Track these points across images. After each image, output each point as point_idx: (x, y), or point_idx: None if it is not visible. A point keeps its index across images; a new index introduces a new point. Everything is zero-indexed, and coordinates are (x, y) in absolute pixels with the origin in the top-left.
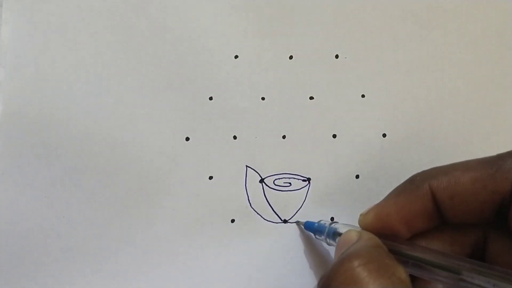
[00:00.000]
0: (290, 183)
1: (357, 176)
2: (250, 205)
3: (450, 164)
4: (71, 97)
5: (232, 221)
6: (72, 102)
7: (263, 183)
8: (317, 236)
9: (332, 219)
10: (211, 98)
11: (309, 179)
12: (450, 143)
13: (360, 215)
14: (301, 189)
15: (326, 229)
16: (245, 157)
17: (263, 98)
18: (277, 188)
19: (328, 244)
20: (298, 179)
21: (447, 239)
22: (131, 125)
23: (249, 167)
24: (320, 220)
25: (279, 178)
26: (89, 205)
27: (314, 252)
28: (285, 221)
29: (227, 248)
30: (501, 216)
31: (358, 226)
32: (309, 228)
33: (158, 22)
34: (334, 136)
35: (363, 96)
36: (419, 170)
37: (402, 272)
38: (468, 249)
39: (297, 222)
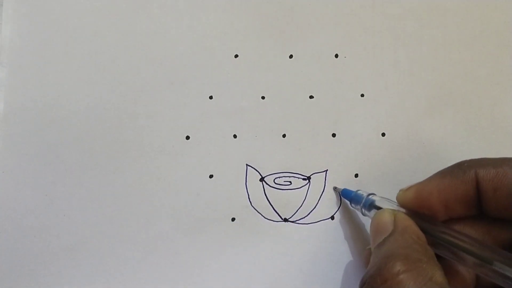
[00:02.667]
0: (290, 182)
1: (356, 175)
2: (251, 203)
3: (501, 158)
4: (72, 96)
5: (233, 219)
6: (73, 101)
7: (264, 182)
8: (352, 205)
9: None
10: (211, 97)
11: (309, 178)
12: (449, 142)
13: (400, 190)
14: (301, 188)
15: (363, 200)
16: (245, 156)
17: (263, 97)
18: (277, 186)
19: (363, 214)
20: (298, 178)
21: (482, 230)
22: (132, 123)
23: (249, 165)
24: (358, 190)
25: (279, 177)
26: (89, 204)
27: (314, 251)
28: (285, 220)
29: (228, 247)
30: None
31: (396, 201)
32: (346, 196)
33: (159, 21)
34: (334, 135)
35: (362, 95)
36: (418, 170)
37: (438, 276)
38: (502, 244)
39: (335, 188)
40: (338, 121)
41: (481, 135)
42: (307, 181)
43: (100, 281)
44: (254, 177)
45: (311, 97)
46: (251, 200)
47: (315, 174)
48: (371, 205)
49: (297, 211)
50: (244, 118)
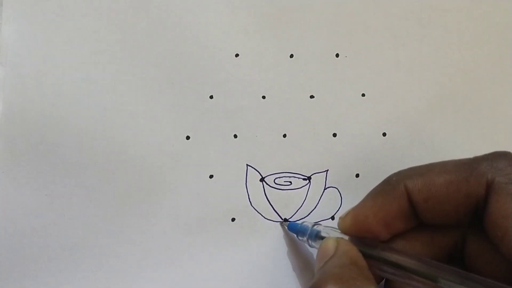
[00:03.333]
0: (290, 182)
1: (357, 175)
2: (251, 203)
3: (427, 165)
4: (72, 96)
5: (233, 219)
6: (73, 100)
7: (264, 182)
8: (299, 237)
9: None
10: (211, 97)
11: (309, 178)
12: (450, 142)
13: (339, 218)
14: (302, 188)
15: (308, 231)
16: (246, 156)
17: (263, 97)
18: (277, 187)
19: (310, 246)
20: (299, 178)
21: (426, 240)
22: (132, 123)
23: (249, 165)
24: (304, 222)
25: (279, 177)
26: (89, 204)
27: (315, 251)
28: (285, 220)
29: (228, 247)
30: (477, 219)
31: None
32: (292, 229)
33: (159, 21)
34: (335, 135)
35: (363, 95)
36: None
37: None
38: (447, 250)
39: (281, 223)
40: (338, 121)
41: (482, 135)
42: (308, 181)
43: (100, 281)
44: (254, 177)
45: (311, 96)
46: (251, 200)
47: (316, 174)
48: (317, 236)
49: (297, 211)
50: (245, 117)
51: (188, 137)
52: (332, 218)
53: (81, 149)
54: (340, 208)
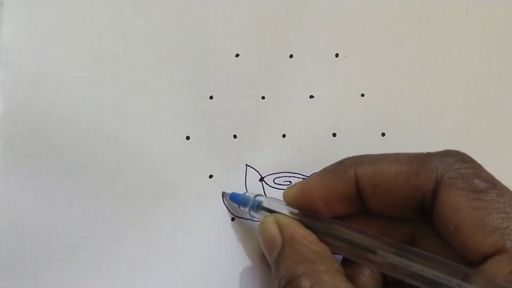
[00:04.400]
0: (290, 182)
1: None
2: None
3: (381, 154)
4: (72, 96)
5: (232, 219)
6: (73, 101)
7: (263, 182)
8: (241, 208)
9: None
10: (211, 97)
11: None
12: (449, 142)
13: (287, 187)
14: None
15: (250, 202)
16: (245, 156)
17: (263, 97)
18: (277, 187)
19: (252, 217)
20: (298, 178)
21: (371, 230)
22: (132, 124)
23: (249, 166)
24: (245, 192)
25: (279, 177)
26: (89, 204)
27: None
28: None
29: (228, 247)
30: (424, 214)
31: (283, 200)
32: (235, 200)
33: (159, 21)
34: (334, 135)
35: (362, 95)
36: None
37: (341, 282)
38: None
39: (223, 193)
40: (338, 121)
41: (481, 135)
42: None
43: (100, 281)
44: (253, 177)
45: (311, 96)
46: None
47: (315, 173)
48: (258, 207)
49: None
50: (244, 118)
51: (188, 137)
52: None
53: (82, 149)
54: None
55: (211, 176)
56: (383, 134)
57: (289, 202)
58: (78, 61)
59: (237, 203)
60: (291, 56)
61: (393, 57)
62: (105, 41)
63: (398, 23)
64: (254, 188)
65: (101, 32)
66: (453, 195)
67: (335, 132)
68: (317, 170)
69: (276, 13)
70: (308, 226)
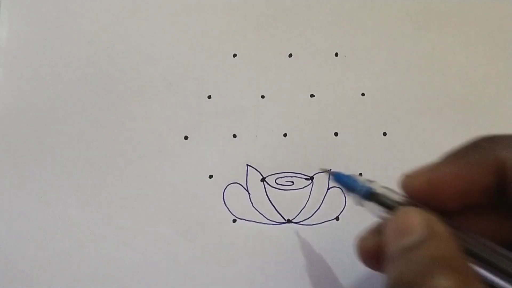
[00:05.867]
0: (292, 182)
1: (360, 175)
2: (252, 204)
3: None
4: (68, 97)
5: (234, 221)
6: (69, 102)
7: (265, 182)
8: (348, 193)
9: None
10: (209, 97)
11: (312, 178)
12: (450, 142)
13: (407, 176)
14: (304, 188)
15: (359, 187)
16: (246, 156)
17: (262, 96)
18: (279, 187)
19: (360, 204)
20: (301, 177)
21: (500, 220)
22: (129, 124)
23: (250, 166)
24: (353, 175)
25: (281, 177)
26: (86, 206)
27: (319, 253)
28: (288, 221)
29: (229, 249)
30: None
31: (398, 191)
32: (341, 181)
33: (156, 22)
34: (336, 134)
35: (363, 94)
36: None
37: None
38: None
39: (327, 171)
40: (339, 120)
41: (481, 134)
42: (310, 181)
43: (97, 285)
44: (255, 177)
45: (312, 95)
46: (252, 201)
47: (318, 173)
48: (370, 195)
49: (300, 212)
50: (244, 117)
51: (186, 137)
52: (337, 219)
53: (78, 151)
54: (344, 208)
55: (211, 176)
56: (384, 134)
57: (410, 192)
58: (74, 62)
59: (342, 185)
60: (290, 55)
61: (393, 56)
62: (102, 42)
63: (398, 22)
64: (255, 189)
65: (98, 32)
66: None
67: (336, 131)
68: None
69: (274, 13)
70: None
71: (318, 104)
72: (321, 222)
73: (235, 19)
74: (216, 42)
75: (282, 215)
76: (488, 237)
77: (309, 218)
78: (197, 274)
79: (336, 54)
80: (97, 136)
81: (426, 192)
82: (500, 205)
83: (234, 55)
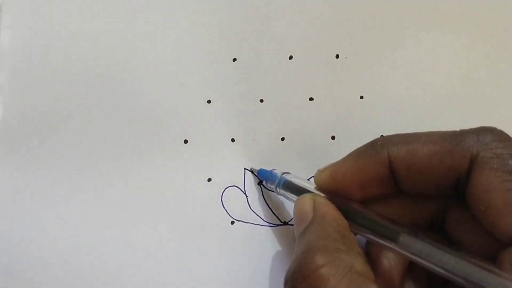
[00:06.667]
0: None
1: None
2: (250, 207)
3: (414, 133)
4: (71, 100)
5: (232, 223)
6: (71, 105)
7: (262, 185)
8: (268, 184)
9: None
10: (209, 101)
11: (286, 223)
12: None
13: (318, 170)
14: None
15: (277, 179)
16: (244, 159)
17: (261, 100)
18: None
19: (278, 194)
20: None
21: (405, 208)
22: (130, 127)
23: (247, 169)
24: (274, 169)
25: None
26: (87, 208)
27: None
28: (285, 223)
29: (227, 251)
30: (458, 191)
31: (312, 182)
32: (262, 175)
33: (156, 25)
34: (333, 137)
35: (361, 97)
36: None
37: (359, 264)
38: (427, 219)
39: (251, 169)
40: (337, 124)
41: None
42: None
43: (98, 285)
44: (252, 180)
45: (311, 99)
46: (250, 204)
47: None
48: (285, 184)
49: None
50: (242, 121)
51: (186, 141)
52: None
53: (79, 153)
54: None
55: (209, 180)
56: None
57: (320, 185)
58: (77, 66)
59: (264, 179)
60: (290, 57)
61: (391, 59)
62: (104, 46)
63: (397, 24)
64: (252, 192)
65: (100, 36)
66: (486, 175)
67: (334, 134)
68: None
69: (273, 15)
70: (343, 213)
71: (317, 108)
72: None
73: (234, 23)
74: (215, 47)
75: (279, 217)
76: (397, 219)
77: None
78: (195, 275)
79: (337, 56)
80: (99, 139)
81: (330, 184)
82: (404, 196)
83: (234, 59)
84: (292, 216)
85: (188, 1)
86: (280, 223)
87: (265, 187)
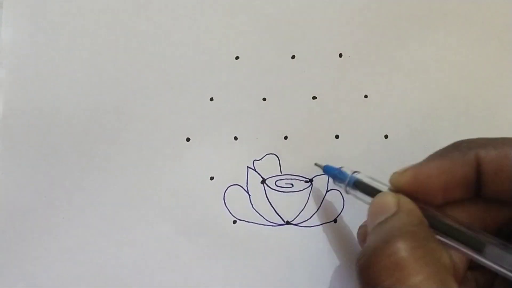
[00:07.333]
0: (292, 184)
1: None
2: (252, 206)
3: (501, 138)
4: (71, 98)
5: (234, 222)
6: (72, 102)
7: (265, 184)
8: (336, 182)
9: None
10: (212, 99)
11: (311, 180)
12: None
13: (394, 173)
14: (304, 190)
15: (348, 177)
16: (246, 158)
17: (264, 99)
18: (279, 189)
19: (347, 192)
20: (300, 180)
21: (479, 212)
22: (132, 125)
23: (250, 168)
24: (342, 167)
25: (281, 179)
26: (88, 206)
27: (317, 254)
28: (287, 223)
29: (229, 250)
30: None
31: (386, 183)
32: (329, 173)
33: (159, 23)
34: (337, 136)
35: (366, 96)
36: None
37: (446, 258)
38: (498, 225)
39: (316, 164)
40: (341, 123)
41: (482, 136)
42: (309, 183)
43: (99, 284)
44: (255, 179)
45: (314, 98)
46: (252, 203)
47: (317, 176)
48: (356, 184)
49: (299, 213)
50: (245, 119)
51: (188, 139)
52: (335, 221)
53: (81, 151)
54: (343, 210)
55: (212, 178)
56: (386, 136)
57: (399, 187)
58: (78, 63)
59: (332, 176)
60: (293, 56)
61: (395, 59)
62: (105, 43)
63: (401, 23)
64: (255, 191)
65: (101, 34)
66: None
67: (337, 134)
68: (320, 172)
69: (277, 14)
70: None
71: (320, 106)
72: (319, 224)
73: (237, 21)
74: (218, 45)
75: (282, 216)
76: (470, 224)
77: (308, 220)
78: (197, 274)
79: (340, 55)
80: (100, 137)
81: (412, 186)
82: (479, 200)
83: (237, 58)
84: (295, 216)
85: None
86: (283, 223)
87: (268, 186)
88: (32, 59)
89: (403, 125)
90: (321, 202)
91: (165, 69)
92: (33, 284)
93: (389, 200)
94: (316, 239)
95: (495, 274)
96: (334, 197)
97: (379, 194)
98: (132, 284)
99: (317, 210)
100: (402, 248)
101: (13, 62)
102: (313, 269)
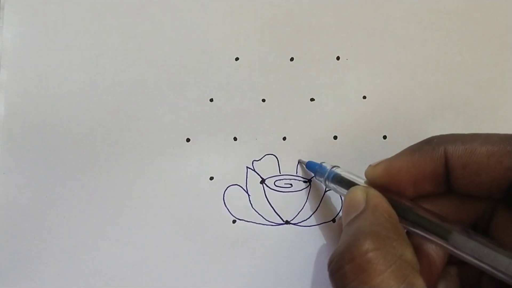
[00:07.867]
0: (291, 184)
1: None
2: (252, 206)
3: (471, 134)
4: (73, 98)
5: (234, 221)
6: (73, 102)
7: (264, 184)
8: (317, 177)
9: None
10: (211, 100)
11: (310, 181)
12: None
13: (369, 166)
14: (302, 190)
15: (327, 172)
16: (246, 158)
17: (263, 100)
18: (278, 189)
19: (326, 186)
20: (299, 180)
21: (453, 206)
22: (132, 126)
23: (249, 168)
24: (323, 162)
25: (280, 180)
26: (89, 206)
27: (316, 253)
28: (286, 222)
29: (229, 249)
30: (510, 194)
31: (363, 176)
32: (311, 168)
33: (159, 24)
34: (335, 137)
35: (364, 97)
36: None
37: (409, 254)
38: (473, 219)
39: (299, 161)
40: (339, 124)
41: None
42: (308, 183)
43: (100, 283)
44: (254, 179)
45: (312, 99)
46: (252, 203)
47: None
48: (335, 178)
49: (298, 213)
50: (245, 120)
51: (188, 140)
52: (333, 220)
53: (82, 151)
54: (341, 210)
55: (211, 178)
56: (384, 137)
57: (372, 180)
58: (78, 64)
59: (313, 172)
60: (291, 59)
61: (394, 60)
62: (106, 44)
63: (400, 25)
64: (254, 191)
65: (102, 34)
66: None
67: (336, 135)
68: None
69: (276, 16)
70: (393, 207)
71: (319, 108)
72: (318, 223)
73: (237, 23)
74: (218, 46)
75: (281, 216)
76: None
77: (307, 220)
78: (197, 273)
79: (338, 58)
80: (100, 137)
81: (384, 179)
82: (453, 195)
83: (237, 59)
84: (294, 216)
85: (191, 0)
86: (282, 222)
87: (267, 186)
88: (33, 59)
89: (402, 126)
90: (320, 202)
91: (165, 69)
92: (33, 284)
93: (359, 195)
94: (315, 239)
95: (481, 270)
96: (332, 197)
97: (351, 188)
98: (132, 284)
99: (316, 210)
100: (364, 250)
101: (15, 63)
102: (312, 268)
